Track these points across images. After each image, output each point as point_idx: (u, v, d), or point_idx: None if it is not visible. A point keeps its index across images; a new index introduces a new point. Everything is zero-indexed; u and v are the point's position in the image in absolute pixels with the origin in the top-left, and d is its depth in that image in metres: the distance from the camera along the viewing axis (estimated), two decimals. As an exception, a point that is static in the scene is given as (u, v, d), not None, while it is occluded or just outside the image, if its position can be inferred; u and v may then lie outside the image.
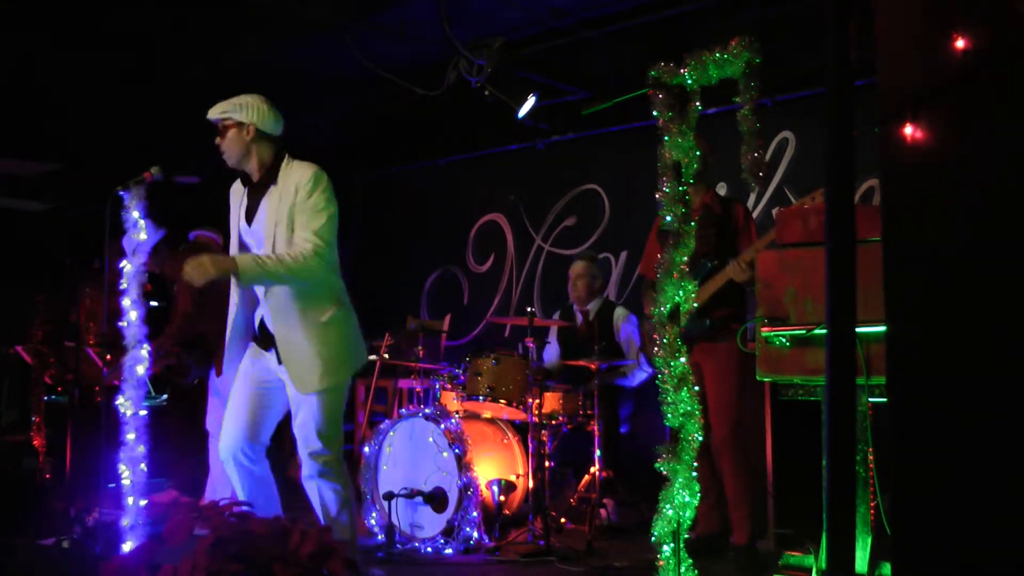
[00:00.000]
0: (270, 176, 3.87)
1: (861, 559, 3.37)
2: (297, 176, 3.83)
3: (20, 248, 9.86)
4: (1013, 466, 2.21)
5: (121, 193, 3.90)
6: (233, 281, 3.83)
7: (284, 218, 3.78)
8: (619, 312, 6.06)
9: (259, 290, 3.86)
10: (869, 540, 3.39)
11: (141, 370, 3.83)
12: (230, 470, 3.89)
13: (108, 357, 5.66)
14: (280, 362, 3.79)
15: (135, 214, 3.91)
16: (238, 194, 3.99)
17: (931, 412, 2.33)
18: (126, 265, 3.92)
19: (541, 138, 7.51)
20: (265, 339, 3.88)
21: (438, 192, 8.59)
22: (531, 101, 6.49)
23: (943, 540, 2.30)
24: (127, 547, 3.71)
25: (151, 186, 3.94)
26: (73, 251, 6.32)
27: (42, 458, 6.16)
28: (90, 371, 5.73)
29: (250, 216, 3.90)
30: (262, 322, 3.91)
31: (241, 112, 3.87)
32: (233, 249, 3.98)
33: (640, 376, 5.94)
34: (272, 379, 3.87)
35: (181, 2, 5.62)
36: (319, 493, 3.81)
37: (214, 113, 3.89)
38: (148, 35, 6.10)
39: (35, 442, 6.19)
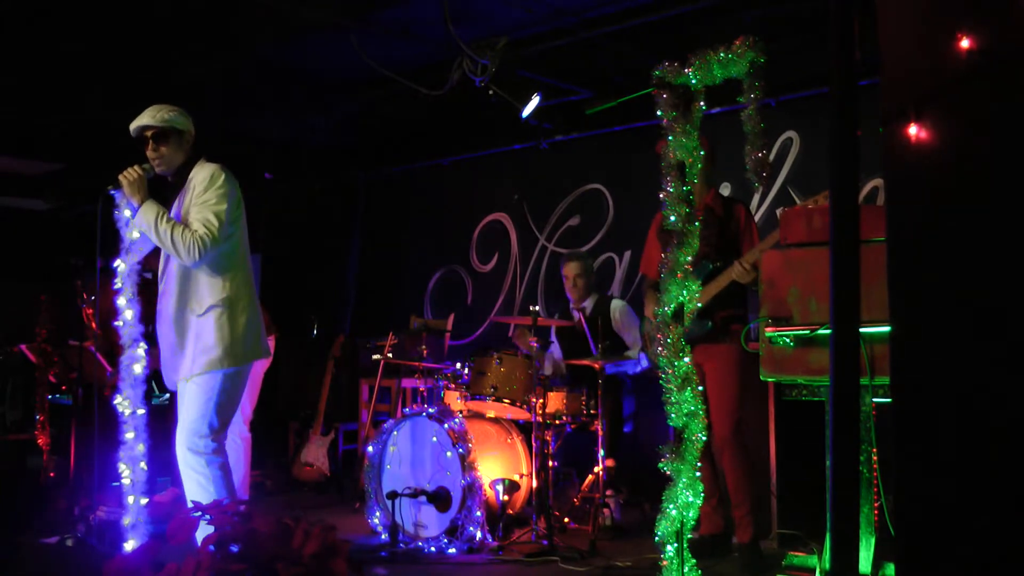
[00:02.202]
0: (182, 177, 4.01)
1: (865, 559, 3.36)
2: (198, 174, 3.96)
3: (24, 247, 9.89)
4: (1018, 467, 2.20)
5: (112, 192, 3.88)
6: (160, 274, 4.05)
7: (184, 214, 3.93)
8: (615, 303, 6.08)
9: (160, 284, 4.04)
10: (873, 540, 3.39)
11: (138, 369, 3.82)
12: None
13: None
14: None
15: (127, 212, 3.89)
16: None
17: (935, 412, 2.32)
18: (120, 264, 3.89)
19: (545, 138, 7.51)
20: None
21: (442, 192, 8.60)
22: (535, 101, 6.49)
23: (947, 541, 2.29)
24: (129, 546, 3.72)
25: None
26: (77, 250, 6.33)
27: (46, 457, 6.17)
28: (94, 370, 5.74)
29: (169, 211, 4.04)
30: None
31: (183, 120, 4.01)
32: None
33: (644, 361, 5.93)
34: None
35: (184, 1, 5.62)
36: (191, 478, 3.89)
37: (156, 120, 3.93)
38: (151, 34, 6.10)
39: (39, 441, 6.20)
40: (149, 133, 3.94)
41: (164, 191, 4.10)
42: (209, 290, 3.91)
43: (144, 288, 3.99)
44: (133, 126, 3.96)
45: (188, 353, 3.90)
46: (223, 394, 3.90)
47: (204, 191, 3.88)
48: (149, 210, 3.82)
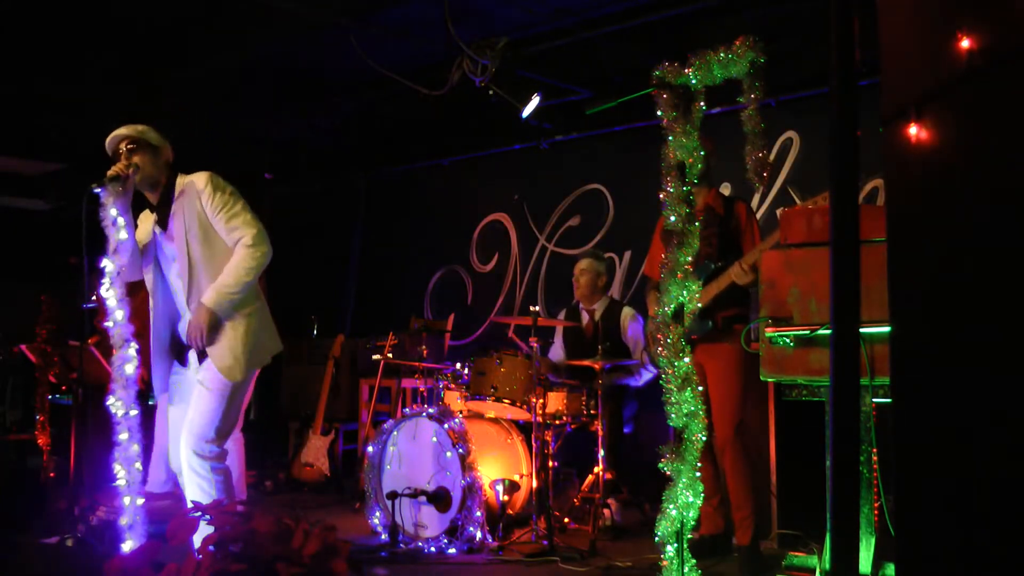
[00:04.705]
0: (168, 192, 4.02)
1: (865, 560, 3.36)
2: (195, 183, 3.98)
3: (24, 247, 9.89)
4: (1018, 466, 2.20)
5: (97, 190, 3.83)
6: (153, 291, 4.05)
7: (194, 223, 3.94)
8: (627, 311, 6.05)
9: (180, 299, 4.03)
10: (873, 541, 3.39)
11: (130, 369, 3.79)
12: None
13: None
14: (200, 359, 3.97)
15: (113, 212, 3.84)
16: (148, 219, 4.12)
17: (935, 413, 2.32)
18: (107, 264, 3.85)
19: (545, 138, 7.52)
20: (179, 349, 4.05)
21: (442, 192, 8.60)
22: (535, 101, 6.49)
23: (947, 541, 2.29)
24: (126, 546, 3.71)
25: (129, 182, 3.89)
26: (77, 250, 6.33)
27: (46, 457, 6.17)
28: (95, 370, 5.73)
29: (164, 229, 4.04)
30: (175, 331, 4.06)
31: (156, 136, 4.04)
32: (148, 261, 4.09)
33: (646, 376, 5.93)
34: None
35: (185, 1, 5.62)
36: (193, 481, 3.91)
37: (131, 130, 3.96)
38: (152, 34, 6.10)
39: (39, 441, 6.20)
40: (124, 144, 3.97)
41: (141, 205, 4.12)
42: (248, 293, 3.96)
43: (132, 288, 3.97)
44: (108, 140, 3.99)
45: (231, 353, 3.92)
46: (233, 400, 3.93)
47: (213, 198, 3.91)
48: (215, 299, 3.85)
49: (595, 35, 5.92)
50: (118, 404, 3.76)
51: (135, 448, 3.78)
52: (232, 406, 3.94)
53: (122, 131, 3.97)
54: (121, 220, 3.85)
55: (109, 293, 3.81)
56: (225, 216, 3.90)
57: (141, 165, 3.93)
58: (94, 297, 5.58)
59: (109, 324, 3.82)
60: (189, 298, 3.96)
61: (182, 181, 4.01)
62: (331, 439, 6.91)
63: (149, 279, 4.08)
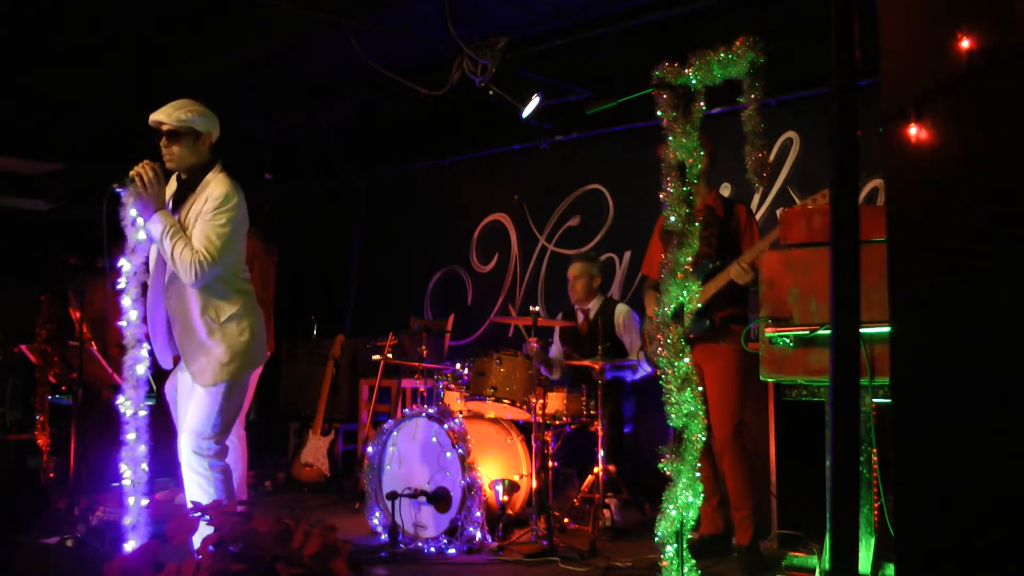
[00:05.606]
0: (197, 179, 3.96)
1: (864, 560, 3.36)
2: (213, 188, 3.91)
3: (24, 247, 9.88)
4: (1017, 466, 2.20)
5: (118, 190, 3.80)
6: (155, 265, 3.99)
7: (192, 222, 3.89)
8: (621, 308, 6.06)
9: (163, 283, 3.98)
10: (873, 541, 3.39)
11: (141, 369, 3.79)
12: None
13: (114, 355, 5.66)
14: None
15: (133, 212, 3.83)
16: (171, 188, 4.06)
17: (935, 413, 2.32)
18: (124, 263, 3.85)
19: (545, 138, 7.52)
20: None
21: (442, 192, 8.60)
22: (535, 101, 6.49)
23: (947, 541, 2.29)
24: (129, 546, 3.71)
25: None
26: (77, 250, 6.33)
27: (46, 457, 6.17)
28: (94, 370, 5.73)
29: (175, 211, 3.97)
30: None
31: (203, 121, 3.95)
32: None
33: (643, 370, 5.93)
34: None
35: (185, 2, 5.62)
36: (192, 480, 3.91)
37: (171, 118, 3.88)
38: (151, 34, 6.10)
39: (39, 441, 6.19)
40: (164, 128, 3.90)
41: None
42: (227, 298, 3.93)
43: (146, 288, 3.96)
44: (151, 118, 3.92)
45: (207, 360, 3.89)
46: (230, 398, 3.92)
47: (215, 209, 3.84)
48: (161, 221, 3.78)
49: (595, 35, 5.92)
50: (127, 404, 3.76)
51: (142, 448, 3.78)
52: (228, 405, 3.92)
53: (161, 117, 3.89)
54: (141, 220, 3.83)
55: (125, 293, 3.80)
56: (207, 225, 3.83)
57: (178, 154, 3.90)
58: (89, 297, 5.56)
59: (123, 324, 3.81)
60: (168, 287, 3.94)
61: (211, 177, 3.94)
62: (331, 439, 6.91)
63: (153, 252, 4.02)
